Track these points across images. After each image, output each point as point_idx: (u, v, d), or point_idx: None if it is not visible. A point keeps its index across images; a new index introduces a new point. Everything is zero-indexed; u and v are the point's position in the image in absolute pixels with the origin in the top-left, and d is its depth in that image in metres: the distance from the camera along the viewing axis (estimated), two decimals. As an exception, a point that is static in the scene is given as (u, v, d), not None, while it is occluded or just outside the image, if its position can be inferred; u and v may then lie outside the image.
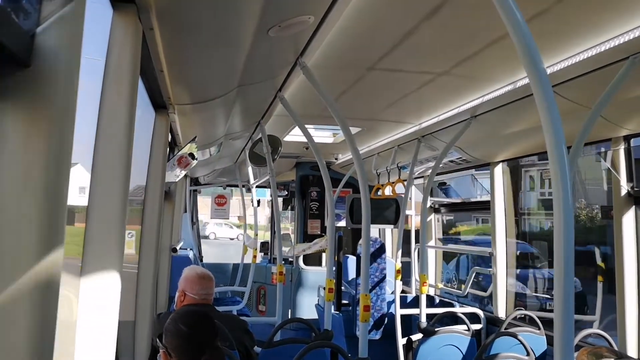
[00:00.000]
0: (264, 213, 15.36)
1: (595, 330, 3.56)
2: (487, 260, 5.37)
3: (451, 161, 5.18)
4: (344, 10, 2.30)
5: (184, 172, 4.11)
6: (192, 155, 3.89)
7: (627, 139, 3.41)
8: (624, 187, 3.42)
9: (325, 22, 2.34)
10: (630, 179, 3.44)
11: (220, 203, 9.14)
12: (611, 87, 2.49)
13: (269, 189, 6.90)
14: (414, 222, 6.68)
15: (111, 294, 1.56)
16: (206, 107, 3.44)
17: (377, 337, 5.42)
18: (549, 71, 2.70)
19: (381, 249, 5.63)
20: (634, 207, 3.42)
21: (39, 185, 0.99)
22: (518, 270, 8.24)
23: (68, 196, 1.07)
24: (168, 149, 3.48)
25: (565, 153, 1.51)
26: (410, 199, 6.07)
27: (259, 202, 7.42)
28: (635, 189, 3.43)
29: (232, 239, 27.70)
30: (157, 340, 1.96)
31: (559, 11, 2.22)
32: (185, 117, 3.53)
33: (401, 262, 5.37)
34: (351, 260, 6.35)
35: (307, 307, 7.05)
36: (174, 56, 2.35)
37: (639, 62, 2.40)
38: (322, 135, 5.98)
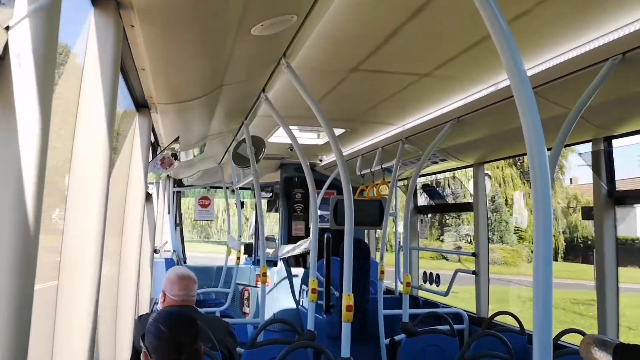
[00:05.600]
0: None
1: (574, 328, 3.60)
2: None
3: (434, 162, 5.21)
4: (327, 10, 2.30)
5: (166, 173, 4.08)
6: (175, 156, 3.86)
7: (607, 140, 3.46)
8: (604, 187, 3.47)
9: (308, 21, 2.33)
10: (610, 179, 3.49)
11: (204, 204, 9.07)
12: (591, 88, 2.51)
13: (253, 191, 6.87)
14: (398, 223, 6.71)
15: (90, 293, 1.54)
16: (189, 107, 3.41)
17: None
18: (530, 73, 2.73)
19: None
20: (614, 206, 3.47)
21: (14, 181, 0.97)
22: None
23: (43, 192, 1.05)
24: (150, 149, 3.44)
25: (545, 154, 1.52)
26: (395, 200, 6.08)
27: (242, 203, 7.39)
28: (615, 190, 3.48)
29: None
30: (141, 340, 1.95)
31: (539, 13, 2.24)
32: (168, 117, 3.50)
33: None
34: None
35: (292, 309, 7.03)
36: (155, 54, 2.32)
37: (618, 64, 2.43)
38: (307, 136, 5.96)
